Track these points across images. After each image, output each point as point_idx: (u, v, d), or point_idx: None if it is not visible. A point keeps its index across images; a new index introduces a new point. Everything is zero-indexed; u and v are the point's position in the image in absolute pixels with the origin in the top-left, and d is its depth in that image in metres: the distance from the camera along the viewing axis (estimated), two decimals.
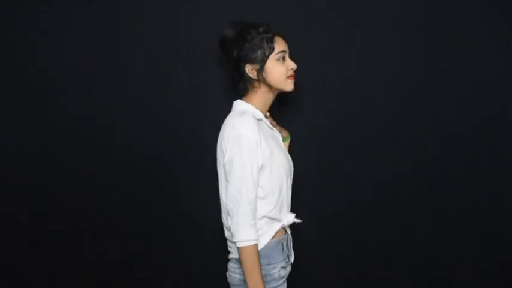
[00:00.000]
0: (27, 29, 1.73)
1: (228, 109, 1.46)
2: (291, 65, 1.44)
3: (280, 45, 1.43)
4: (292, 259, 1.52)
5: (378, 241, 1.82)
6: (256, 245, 1.34)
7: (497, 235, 1.81)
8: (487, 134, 1.76)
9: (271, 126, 1.50)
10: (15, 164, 1.80)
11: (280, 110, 1.64)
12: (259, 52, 1.41)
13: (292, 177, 1.51)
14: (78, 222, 1.83)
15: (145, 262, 1.84)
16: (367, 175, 1.79)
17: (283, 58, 1.44)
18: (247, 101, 1.45)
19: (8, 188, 1.81)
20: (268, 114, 1.56)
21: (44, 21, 1.73)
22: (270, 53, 1.41)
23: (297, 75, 1.70)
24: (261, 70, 1.41)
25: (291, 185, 1.50)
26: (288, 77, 1.44)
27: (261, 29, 1.42)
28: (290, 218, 1.48)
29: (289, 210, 1.51)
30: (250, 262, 1.33)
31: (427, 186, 1.79)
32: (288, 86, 1.45)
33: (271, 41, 1.41)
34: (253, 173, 1.34)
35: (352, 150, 1.78)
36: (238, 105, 1.45)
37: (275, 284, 1.43)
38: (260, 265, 1.35)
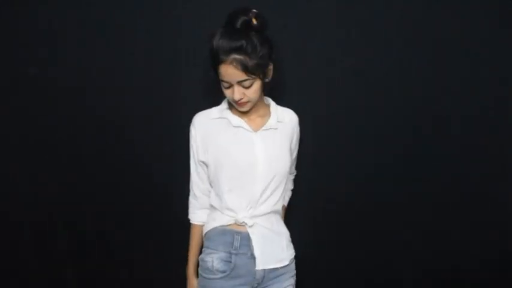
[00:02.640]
0: (27, 29, 1.73)
1: None
2: (234, 95, 1.35)
3: (224, 75, 1.33)
4: (258, 266, 1.40)
5: (378, 241, 1.83)
6: (195, 225, 1.54)
7: (497, 235, 1.81)
8: (487, 133, 1.76)
9: (240, 124, 1.44)
10: (15, 164, 1.80)
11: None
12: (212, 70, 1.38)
13: (261, 174, 1.42)
14: (75, 223, 1.83)
15: (139, 262, 1.85)
16: (367, 175, 1.79)
17: (228, 85, 1.35)
18: None
19: (7, 187, 1.81)
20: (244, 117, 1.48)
21: (44, 21, 1.72)
22: (218, 76, 1.37)
23: (298, 75, 1.71)
24: (216, 81, 1.41)
25: (258, 182, 1.42)
26: (235, 102, 1.39)
27: (216, 50, 1.30)
28: (245, 214, 1.42)
29: (257, 206, 1.43)
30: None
31: (426, 186, 1.79)
32: (238, 108, 1.41)
33: (215, 66, 1.34)
34: (192, 161, 1.51)
35: (352, 150, 1.78)
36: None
37: (209, 275, 1.39)
38: (195, 247, 1.53)
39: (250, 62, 1.29)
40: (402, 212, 1.81)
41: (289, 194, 1.70)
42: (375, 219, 1.81)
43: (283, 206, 1.64)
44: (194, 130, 1.48)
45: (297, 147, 1.63)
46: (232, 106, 1.47)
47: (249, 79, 1.32)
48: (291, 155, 1.55)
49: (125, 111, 1.77)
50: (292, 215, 1.72)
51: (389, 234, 1.82)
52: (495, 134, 1.76)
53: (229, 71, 1.31)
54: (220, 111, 1.48)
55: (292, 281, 1.51)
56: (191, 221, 1.55)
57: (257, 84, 1.36)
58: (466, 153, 1.77)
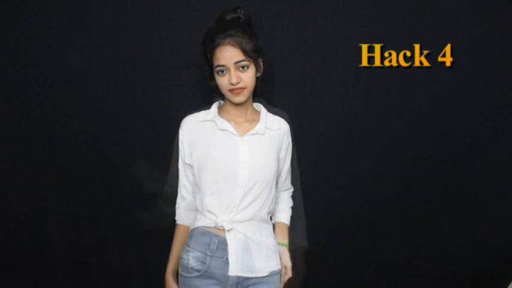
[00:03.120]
0: (27, 29, 1.73)
1: None
2: (231, 79, 1.36)
3: (220, 58, 1.37)
4: (231, 272, 1.39)
5: (378, 242, 1.83)
6: (180, 226, 1.53)
7: (497, 236, 1.81)
8: (487, 133, 1.76)
9: (226, 128, 1.44)
10: (14, 164, 1.80)
11: (279, 110, 1.64)
12: (206, 60, 1.43)
13: (242, 179, 1.40)
14: (72, 223, 1.83)
15: (139, 263, 1.85)
16: (367, 176, 1.79)
17: (225, 71, 1.38)
18: (222, 104, 1.51)
19: (6, 188, 1.81)
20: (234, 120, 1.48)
21: (44, 21, 1.72)
22: (212, 66, 1.41)
23: (300, 74, 1.70)
24: (209, 77, 1.45)
25: (239, 187, 1.40)
26: (230, 91, 1.39)
27: (211, 37, 1.38)
28: (225, 218, 1.40)
29: (237, 211, 1.41)
30: None
31: (427, 186, 1.79)
32: (232, 98, 1.42)
33: (211, 52, 1.39)
34: (180, 163, 1.52)
35: (352, 151, 1.78)
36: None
37: (185, 273, 1.41)
38: (177, 248, 1.51)
39: (246, 45, 1.37)
40: (402, 213, 1.81)
41: (289, 212, 1.63)
42: (376, 221, 1.82)
43: (284, 224, 1.59)
44: (181, 132, 1.50)
45: (289, 159, 1.57)
46: (222, 109, 1.49)
47: (245, 60, 1.37)
48: (279, 164, 1.52)
49: (124, 111, 1.76)
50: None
51: (388, 236, 1.82)
52: (495, 134, 1.76)
53: (226, 51, 1.36)
54: (207, 114, 1.49)
55: None
56: (177, 222, 1.55)
57: (252, 71, 1.40)
58: (466, 154, 1.77)
